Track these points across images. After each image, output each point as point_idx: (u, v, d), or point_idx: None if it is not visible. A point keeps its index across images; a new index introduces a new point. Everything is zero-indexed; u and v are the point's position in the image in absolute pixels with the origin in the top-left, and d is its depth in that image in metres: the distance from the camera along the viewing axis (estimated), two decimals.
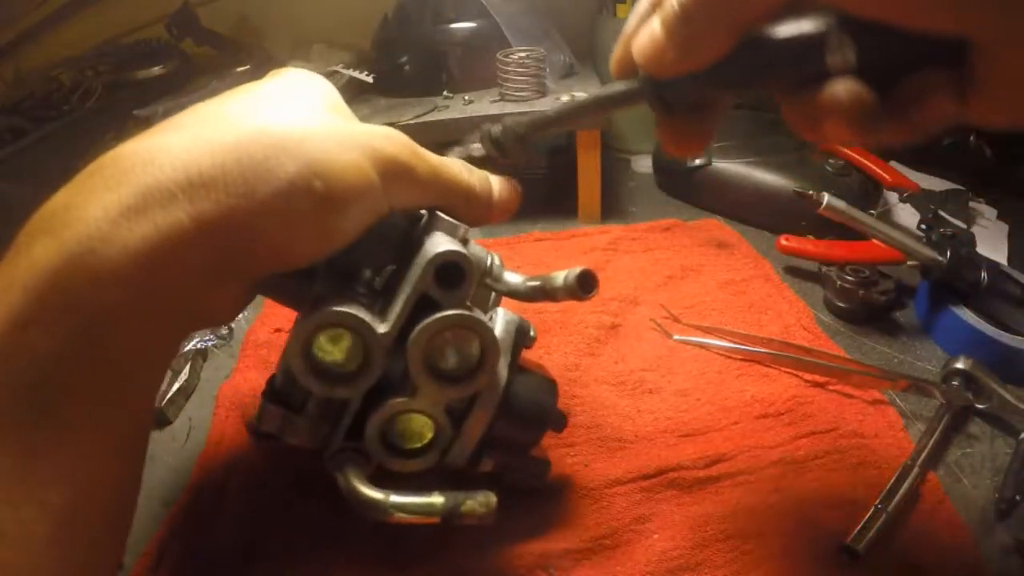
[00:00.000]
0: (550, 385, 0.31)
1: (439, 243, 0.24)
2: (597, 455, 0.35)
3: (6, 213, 0.55)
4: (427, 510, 0.23)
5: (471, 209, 0.27)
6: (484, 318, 0.25)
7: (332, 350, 0.24)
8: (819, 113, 0.19)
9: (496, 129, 0.28)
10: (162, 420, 0.41)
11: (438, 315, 0.23)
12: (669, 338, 0.44)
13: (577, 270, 0.26)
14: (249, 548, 0.31)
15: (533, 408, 0.29)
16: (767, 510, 0.31)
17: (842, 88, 0.18)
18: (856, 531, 0.29)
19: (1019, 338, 0.39)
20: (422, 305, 0.24)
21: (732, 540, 0.30)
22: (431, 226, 0.26)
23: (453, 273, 0.23)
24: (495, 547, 0.30)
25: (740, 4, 0.18)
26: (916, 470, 0.32)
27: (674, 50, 0.20)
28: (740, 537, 0.30)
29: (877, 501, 0.30)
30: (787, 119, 0.21)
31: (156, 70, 0.73)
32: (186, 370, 0.43)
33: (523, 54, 0.58)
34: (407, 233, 0.26)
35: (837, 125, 0.19)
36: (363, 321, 0.23)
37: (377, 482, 0.25)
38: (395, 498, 0.23)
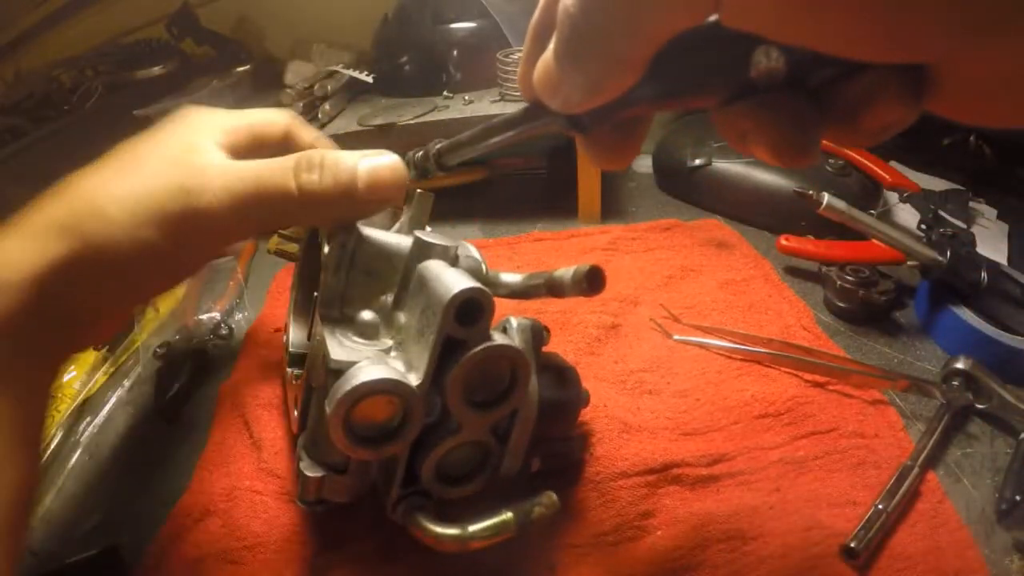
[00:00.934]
0: (572, 372, 0.32)
1: (450, 282, 0.23)
2: (598, 452, 0.35)
3: (6, 213, 0.55)
4: (503, 529, 0.24)
5: (319, 209, 0.25)
6: (507, 339, 0.25)
7: (371, 415, 0.23)
8: (746, 133, 0.17)
9: (419, 154, 0.28)
10: (162, 420, 0.41)
11: (469, 355, 0.23)
12: (669, 338, 0.44)
13: (586, 267, 0.26)
14: (250, 548, 0.31)
15: (565, 402, 0.31)
16: (767, 510, 0.31)
17: (766, 111, 0.15)
18: (856, 531, 0.29)
19: (1019, 338, 0.39)
20: (447, 346, 0.23)
21: (732, 540, 0.30)
22: (421, 253, 0.26)
23: (473, 309, 0.23)
24: (497, 544, 0.30)
25: (638, 30, 0.14)
26: (916, 470, 0.32)
27: (573, 89, 0.17)
28: (740, 537, 0.30)
29: (877, 501, 0.30)
30: (719, 131, 0.18)
31: (156, 70, 0.73)
32: (186, 370, 0.43)
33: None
34: (389, 259, 0.26)
35: (762, 150, 0.16)
36: (398, 383, 0.22)
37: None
38: (472, 528, 0.24)
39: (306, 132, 0.32)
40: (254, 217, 0.25)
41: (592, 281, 0.25)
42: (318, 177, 0.24)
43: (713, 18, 0.14)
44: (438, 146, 0.27)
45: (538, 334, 0.29)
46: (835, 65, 0.15)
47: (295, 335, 0.33)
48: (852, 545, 0.28)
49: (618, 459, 0.34)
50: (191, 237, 0.24)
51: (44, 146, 0.59)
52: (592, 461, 0.34)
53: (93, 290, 0.24)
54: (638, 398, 0.39)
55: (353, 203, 0.25)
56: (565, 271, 0.27)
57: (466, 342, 0.23)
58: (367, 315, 0.26)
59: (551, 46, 0.16)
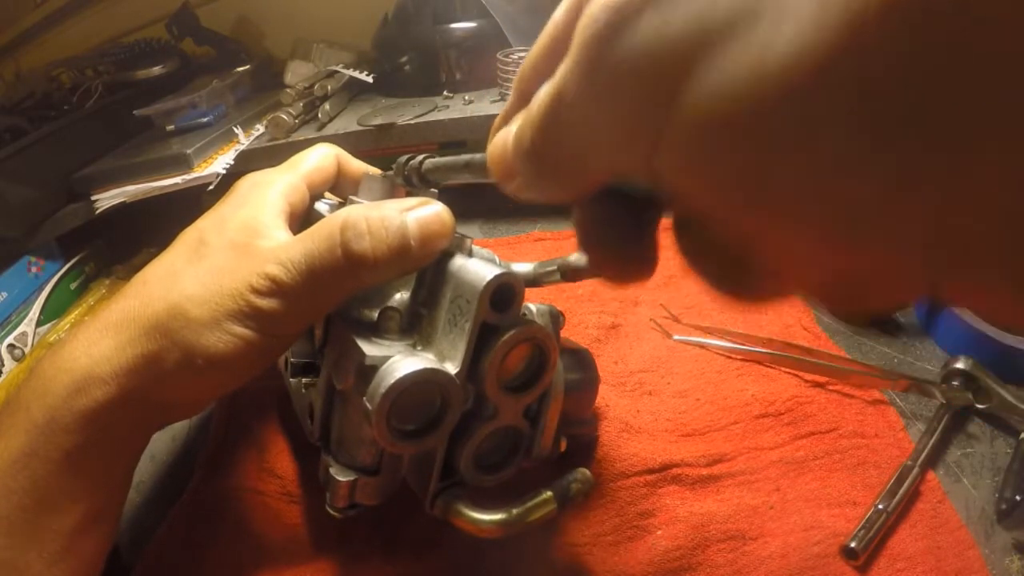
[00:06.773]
0: (587, 354, 0.32)
1: (481, 269, 0.23)
2: (598, 453, 0.35)
3: (6, 213, 0.55)
4: (544, 508, 0.24)
5: (375, 274, 0.24)
6: (538, 322, 0.25)
7: (411, 409, 0.23)
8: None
9: (414, 163, 0.27)
10: None
11: (504, 338, 0.23)
12: (669, 338, 0.44)
13: None
14: (249, 548, 0.31)
15: (586, 382, 0.31)
16: (767, 510, 0.31)
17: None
18: (856, 531, 0.29)
19: (1019, 338, 0.39)
20: (481, 333, 0.24)
21: (732, 540, 0.30)
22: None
23: (506, 294, 0.23)
24: (497, 542, 0.30)
25: (585, 168, 0.15)
26: (916, 470, 0.32)
27: (523, 187, 0.17)
28: (740, 537, 0.30)
29: (877, 501, 0.30)
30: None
31: (156, 70, 0.73)
32: None
33: (523, 54, 0.58)
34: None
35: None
36: (438, 371, 0.23)
37: None
38: (515, 510, 0.24)
39: (351, 158, 0.34)
40: (313, 296, 0.25)
41: None
42: (369, 246, 0.24)
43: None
44: (426, 161, 0.26)
45: (556, 318, 0.30)
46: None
47: (294, 344, 0.33)
48: (852, 545, 0.28)
49: (618, 459, 0.34)
50: (265, 326, 0.25)
51: (44, 146, 0.59)
52: (592, 461, 0.34)
53: (181, 383, 0.25)
54: (638, 398, 0.39)
55: (408, 262, 0.25)
56: (579, 255, 0.27)
57: (498, 327, 0.24)
58: (386, 314, 0.26)
59: (511, 142, 0.17)
